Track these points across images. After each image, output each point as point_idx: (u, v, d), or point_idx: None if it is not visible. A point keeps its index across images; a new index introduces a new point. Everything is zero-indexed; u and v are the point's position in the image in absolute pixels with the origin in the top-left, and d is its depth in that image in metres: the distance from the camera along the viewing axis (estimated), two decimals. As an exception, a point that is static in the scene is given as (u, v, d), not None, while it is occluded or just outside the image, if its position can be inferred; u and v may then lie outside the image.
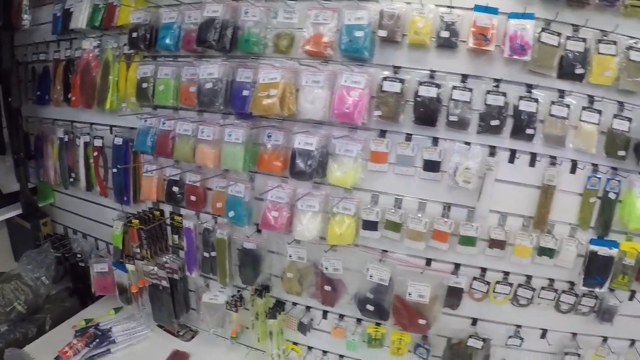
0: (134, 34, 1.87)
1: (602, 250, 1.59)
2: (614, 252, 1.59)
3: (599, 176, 1.57)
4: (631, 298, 1.69)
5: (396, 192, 1.64)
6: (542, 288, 1.66)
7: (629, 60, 1.48)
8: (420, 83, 1.54)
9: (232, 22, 1.71)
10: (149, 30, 1.86)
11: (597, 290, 1.63)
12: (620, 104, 1.53)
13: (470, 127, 1.55)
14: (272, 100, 1.58)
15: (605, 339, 1.74)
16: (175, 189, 1.84)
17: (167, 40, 1.80)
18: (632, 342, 1.76)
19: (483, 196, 1.59)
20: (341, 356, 1.88)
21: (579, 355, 1.72)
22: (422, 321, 1.68)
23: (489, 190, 1.58)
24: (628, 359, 1.76)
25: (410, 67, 1.58)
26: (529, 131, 1.54)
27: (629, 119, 1.51)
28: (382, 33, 1.54)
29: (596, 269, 1.60)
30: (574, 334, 1.74)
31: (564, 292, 1.66)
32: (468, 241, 1.61)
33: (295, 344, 1.91)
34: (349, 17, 1.57)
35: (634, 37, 1.49)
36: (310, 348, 1.91)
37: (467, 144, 1.57)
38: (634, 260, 1.59)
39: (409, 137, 1.60)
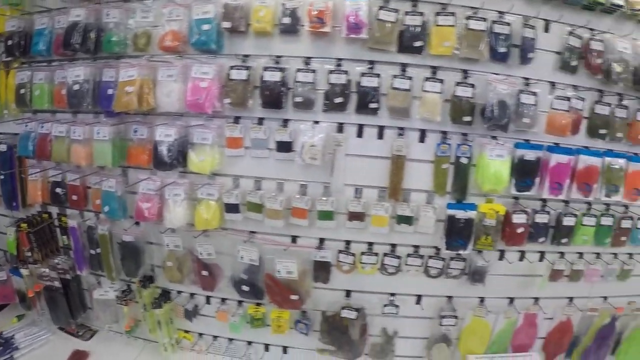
0: (10, 42, 2.24)
1: (460, 214, 1.90)
2: (472, 214, 1.90)
3: (448, 143, 1.90)
4: (501, 258, 2.02)
5: (254, 174, 1.95)
6: (408, 255, 1.97)
7: (468, 29, 1.80)
8: (265, 68, 1.89)
9: (95, 24, 2.06)
10: (23, 37, 2.21)
11: (461, 252, 1.94)
12: (464, 71, 1.88)
13: (317, 106, 1.89)
14: (129, 97, 1.95)
15: (482, 299, 2.07)
16: (58, 190, 2.20)
17: (40, 46, 2.14)
18: (511, 299, 2.09)
19: (336, 171, 1.92)
20: (230, 339, 2.22)
21: (456, 317, 2.04)
22: (294, 297, 2.01)
23: (341, 165, 1.91)
24: (508, 316, 2.08)
25: (257, 54, 1.91)
26: (372, 105, 1.85)
27: (472, 86, 1.84)
28: (227, 24, 1.87)
29: (456, 232, 1.91)
30: (449, 297, 2.07)
31: (430, 257, 1.97)
32: (326, 215, 1.94)
33: (186, 332, 2.27)
34: (197, 11, 1.90)
35: (474, 7, 1.82)
36: (201, 334, 2.24)
37: (316, 122, 1.92)
38: (495, 220, 1.92)
39: (261, 121, 1.95)
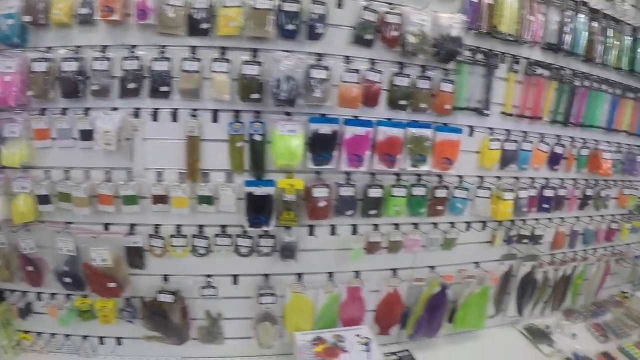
0: None
1: (258, 191, 2.05)
2: (270, 190, 2.03)
3: (241, 121, 2.06)
4: (311, 233, 2.16)
5: (63, 164, 2.08)
6: (216, 235, 2.12)
7: (253, 8, 1.95)
8: (63, 59, 2.09)
9: None
10: None
11: (265, 229, 2.06)
12: (255, 50, 2.05)
13: (113, 93, 2.07)
14: (-61, 97, 2.16)
15: (299, 275, 2.20)
16: None
17: None
18: (330, 274, 2.22)
19: (136, 156, 2.09)
20: (67, 335, 2.34)
21: (274, 295, 2.16)
22: (112, 284, 2.16)
23: (140, 150, 2.08)
24: (328, 290, 2.20)
25: (59, 46, 2.12)
26: (164, 89, 1.99)
27: (259, 63, 2.01)
28: (27, 18, 2.02)
29: (257, 209, 2.03)
30: (266, 275, 2.21)
31: (238, 236, 2.11)
32: (130, 200, 2.07)
33: (26, 332, 2.39)
34: (2, 7, 2.13)
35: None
36: (39, 333, 2.34)
37: (115, 109, 2.10)
38: (295, 195, 2.06)
39: (64, 111, 2.11)
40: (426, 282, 2.26)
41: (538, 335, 2.57)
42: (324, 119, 2.01)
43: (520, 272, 2.56)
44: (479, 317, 2.43)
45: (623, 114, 2.81)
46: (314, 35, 1.98)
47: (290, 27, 1.95)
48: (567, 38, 2.40)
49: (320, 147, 2.01)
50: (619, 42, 2.63)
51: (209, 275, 2.17)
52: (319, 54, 2.02)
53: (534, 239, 2.52)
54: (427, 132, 2.09)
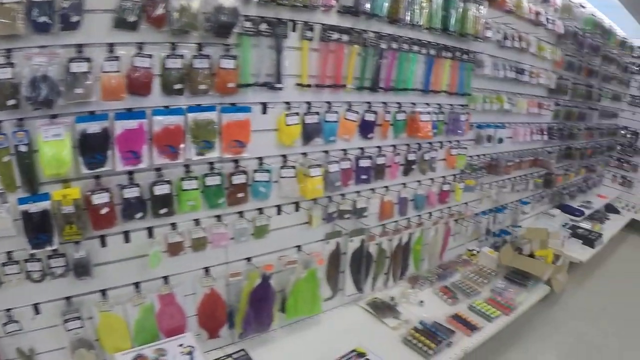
0: None
1: (33, 207, 1.80)
2: (45, 205, 1.80)
3: (4, 132, 1.80)
4: (103, 244, 1.90)
5: None
6: (3, 264, 1.87)
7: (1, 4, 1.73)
8: None
9: None
10: None
11: (49, 248, 1.83)
12: (7, 50, 1.78)
13: None
14: None
15: (103, 291, 1.94)
16: None
17: None
18: (136, 284, 1.96)
19: None
20: None
21: (80, 318, 1.90)
22: None
23: None
24: (136, 303, 1.97)
25: None
26: None
27: (12, 65, 1.75)
28: None
29: (35, 227, 1.80)
30: (67, 298, 1.94)
31: (26, 261, 1.87)
32: None
33: None
34: None
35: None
36: None
37: None
38: (73, 206, 1.81)
39: None
40: (244, 276, 2.02)
41: (382, 308, 2.38)
42: (91, 116, 1.79)
43: (350, 249, 2.33)
44: (313, 302, 2.21)
45: (441, 74, 2.65)
46: (69, 25, 1.74)
47: (42, 19, 1.70)
48: (366, 1, 2.20)
49: (92, 148, 1.78)
50: (428, 2, 2.46)
51: (8, 310, 1.86)
52: (79, 45, 1.76)
53: (357, 212, 2.33)
54: (210, 116, 1.87)
